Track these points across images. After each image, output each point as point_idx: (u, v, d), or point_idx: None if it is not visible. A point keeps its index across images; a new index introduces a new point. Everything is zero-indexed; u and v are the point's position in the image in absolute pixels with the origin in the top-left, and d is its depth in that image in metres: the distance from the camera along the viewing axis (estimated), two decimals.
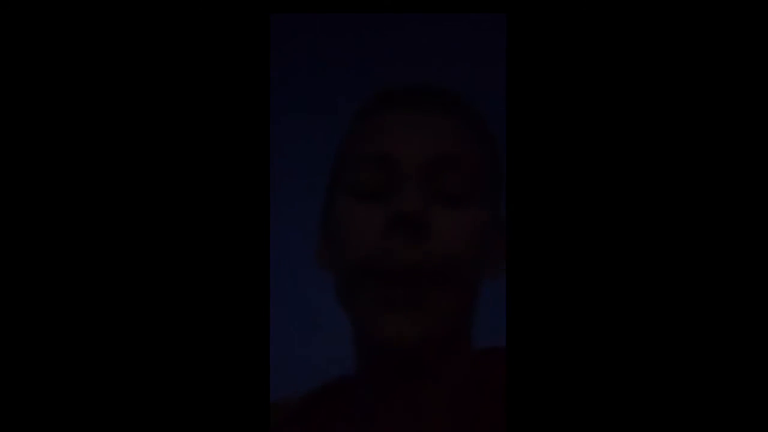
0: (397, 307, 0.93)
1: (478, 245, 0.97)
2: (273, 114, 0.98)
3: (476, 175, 0.97)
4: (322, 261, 1.03)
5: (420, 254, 0.93)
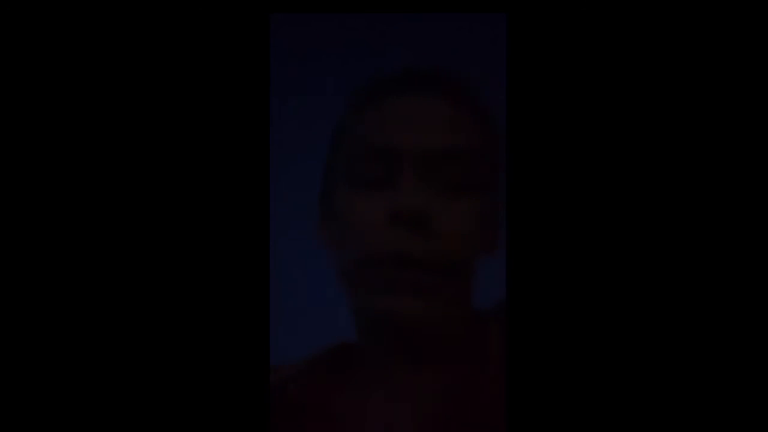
0: (400, 291, 0.95)
1: (476, 231, 0.98)
2: (273, 113, 0.98)
3: (475, 165, 0.98)
4: (322, 239, 1.04)
5: (421, 245, 0.95)
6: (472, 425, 0.98)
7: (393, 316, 0.96)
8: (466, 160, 0.97)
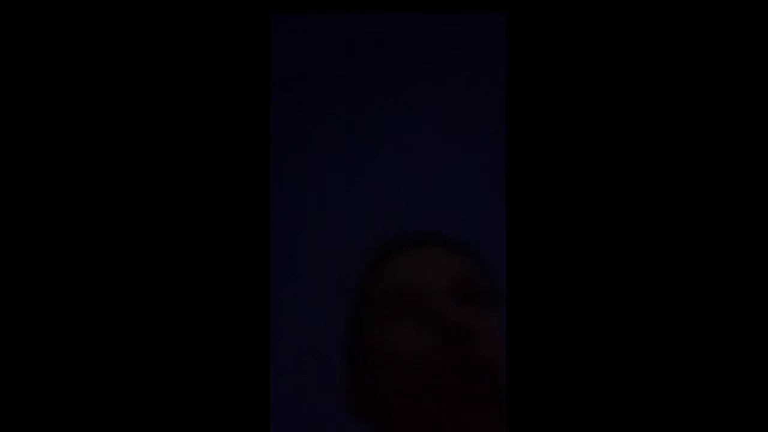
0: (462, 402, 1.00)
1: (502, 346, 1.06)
2: (273, 114, 0.98)
3: (486, 288, 1.09)
4: (352, 405, 1.10)
5: (467, 355, 1.01)
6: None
7: None
8: (478, 290, 1.08)
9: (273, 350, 1.02)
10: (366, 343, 1.08)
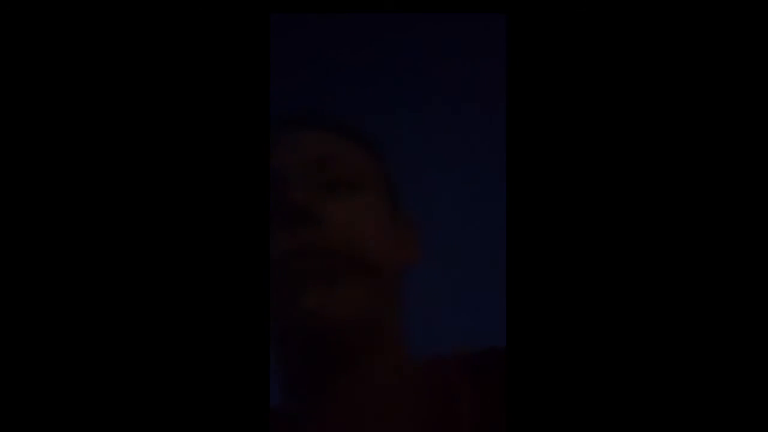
0: (313, 282, 0.95)
1: (375, 231, 1.01)
2: (273, 114, 0.98)
3: (357, 169, 1.03)
4: None
5: (315, 236, 0.97)
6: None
7: (310, 313, 0.95)
8: (347, 165, 1.03)
9: (272, 349, 1.02)
10: None
